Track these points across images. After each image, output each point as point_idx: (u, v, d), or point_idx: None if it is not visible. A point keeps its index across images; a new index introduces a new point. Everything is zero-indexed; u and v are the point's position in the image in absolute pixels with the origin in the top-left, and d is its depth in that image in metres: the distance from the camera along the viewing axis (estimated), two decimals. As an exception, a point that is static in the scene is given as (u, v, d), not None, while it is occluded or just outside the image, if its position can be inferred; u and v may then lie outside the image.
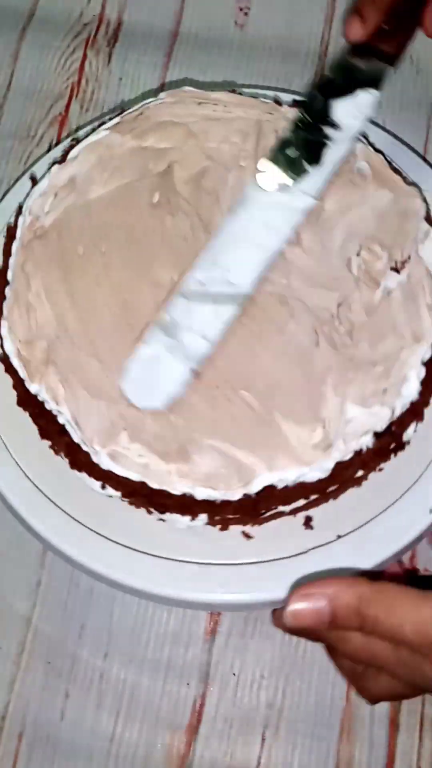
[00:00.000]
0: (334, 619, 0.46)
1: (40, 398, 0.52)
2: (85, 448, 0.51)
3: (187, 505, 0.51)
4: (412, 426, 0.53)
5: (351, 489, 0.53)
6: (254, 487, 0.50)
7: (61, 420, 0.52)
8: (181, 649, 0.58)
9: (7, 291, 0.55)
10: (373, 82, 0.57)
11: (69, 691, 0.57)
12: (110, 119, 0.60)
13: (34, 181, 0.59)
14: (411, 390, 0.52)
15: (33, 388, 0.52)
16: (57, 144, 0.69)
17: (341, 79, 0.57)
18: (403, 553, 0.53)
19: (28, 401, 0.54)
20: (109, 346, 0.53)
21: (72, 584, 0.59)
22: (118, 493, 0.52)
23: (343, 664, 0.50)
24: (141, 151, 0.58)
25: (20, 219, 0.57)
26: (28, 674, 0.58)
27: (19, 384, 0.54)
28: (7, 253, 0.56)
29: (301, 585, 0.46)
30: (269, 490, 0.50)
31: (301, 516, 0.53)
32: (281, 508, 0.52)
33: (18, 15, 0.77)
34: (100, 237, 0.56)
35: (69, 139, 0.62)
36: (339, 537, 0.52)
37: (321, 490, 0.52)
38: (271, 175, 0.55)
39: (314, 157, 0.56)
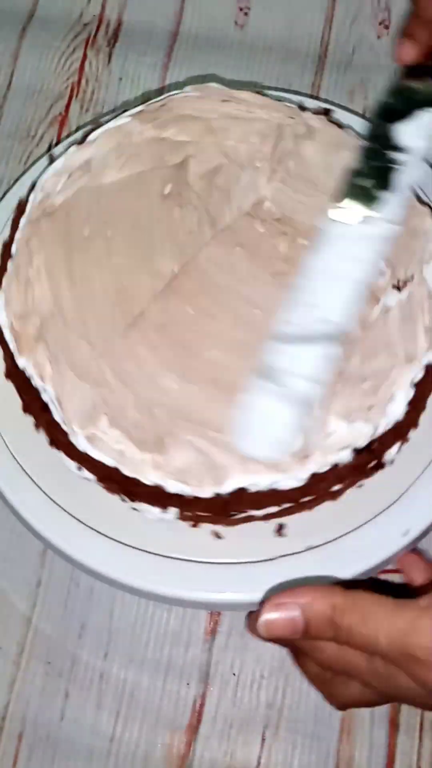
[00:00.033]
0: (308, 629, 0.45)
1: (27, 373, 0.53)
2: (64, 427, 0.51)
3: (158, 496, 0.51)
4: (396, 446, 0.52)
5: (327, 502, 0.52)
6: (226, 488, 0.50)
7: (44, 397, 0.52)
8: (181, 649, 0.58)
9: (9, 264, 0.55)
10: (431, 101, 0.56)
11: (69, 691, 0.57)
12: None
13: (52, 159, 0.59)
14: (396, 410, 0.51)
15: (21, 362, 0.53)
16: (57, 144, 0.69)
17: (399, 102, 0.57)
18: (374, 572, 0.52)
19: (15, 374, 0.54)
20: (101, 330, 0.53)
21: (72, 584, 0.59)
22: (94, 476, 0.52)
23: (309, 670, 0.50)
24: (159, 141, 0.58)
25: (32, 195, 0.57)
26: (28, 674, 0.58)
27: (8, 356, 0.54)
28: (15, 227, 0.57)
29: (274, 594, 0.46)
30: (241, 492, 0.50)
31: (274, 522, 0.52)
32: (253, 512, 0.52)
33: (18, 15, 0.77)
34: (107, 221, 0.56)
35: (90, 123, 0.61)
36: (309, 548, 0.52)
37: (295, 500, 0.51)
38: (350, 208, 0.54)
39: (386, 184, 0.55)
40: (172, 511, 0.51)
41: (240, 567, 0.52)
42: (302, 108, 0.60)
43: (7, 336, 0.54)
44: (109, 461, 0.50)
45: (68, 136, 0.69)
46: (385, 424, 0.51)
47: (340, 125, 0.60)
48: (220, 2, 0.77)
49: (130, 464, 0.50)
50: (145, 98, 0.61)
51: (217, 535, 0.52)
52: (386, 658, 0.44)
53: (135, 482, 0.50)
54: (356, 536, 0.52)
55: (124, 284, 0.54)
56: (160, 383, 0.52)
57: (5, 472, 0.55)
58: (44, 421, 0.53)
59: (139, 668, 0.58)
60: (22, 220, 0.57)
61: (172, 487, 0.50)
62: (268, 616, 0.46)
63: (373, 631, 0.44)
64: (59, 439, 0.52)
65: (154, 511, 0.51)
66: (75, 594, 0.59)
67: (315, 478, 0.50)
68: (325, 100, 0.66)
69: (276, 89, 0.65)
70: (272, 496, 0.51)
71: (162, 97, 0.60)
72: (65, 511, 0.53)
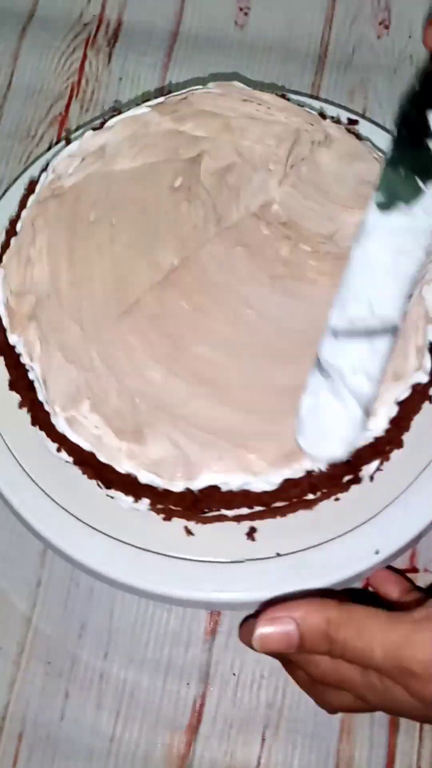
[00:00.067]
0: (303, 643, 0.45)
1: (17, 351, 0.53)
2: (46, 407, 0.52)
3: (130, 485, 0.51)
4: (375, 463, 0.52)
5: (302, 511, 0.52)
6: (197, 484, 0.50)
7: (31, 376, 0.53)
8: (181, 649, 0.58)
9: (12, 241, 0.56)
10: None
11: (69, 691, 0.57)
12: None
13: (68, 141, 0.60)
14: (377, 425, 0.51)
15: (12, 338, 0.53)
16: (57, 144, 0.69)
17: (429, 88, 0.55)
18: (345, 585, 0.52)
19: (6, 350, 0.55)
20: (94, 316, 0.53)
21: (72, 584, 0.59)
22: (71, 459, 0.52)
23: (300, 677, 0.50)
24: (175, 134, 0.58)
25: (43, 175, 0.58)
26: (28, 674, 0.58)
27: (1, 332, 0.54)
28: (23, 205, 0.57)
29: (268, 608, 0.46)
30: (213, 490, 0.50)
31: (245, 525, 0.52)
32: (224, 512, 0.52)
33: (18, 15, 0.77)
34: (114, 209, 0.56)
35: (111, 108, 0.61)
36: (278, 555, 0.51)
37: (266, 503, 0.51)
38: (391, 198, 0.53)
39: (425, 172, 0.53)
40: (145, 502, 0.51)
41: (240, 567, 0.52)
42: (323, 116, 0.60)
43: (1, 311, 0.54)
44: (86, 446, 0.51)
45: (68, 136, 0.69)
46: (364, 439, 0.51)
47: (359, 136, 0.59)
48: (220, 2, 0.77)
49: (107, 451, 0.50)
50: (145, 98, 0.61)
51: (188, 531, 0.52)
52: (381, 671, 0.44)
53: (110, 469, 0.51)
54: (326, 549, 0.51)
55: (122, 272, 0.54)
56: (145, 373, 0.52)
57: (5, 472, 0.55)
58: (29, 400, 0.54)
59: (139, 668, 0.58)
60: (31, 199, 0.57)
61: (144, 477, 0.50)
62: (263, 630, 0.46)
63: (368, 645, 0.44)
64: (41, 418, 0.53)
65: (128, 500, 0.52)
66: (75, 594, 0.59)
67: (288, 483, 0.50)
68: (325, 100, 0.66)
69: (276, 89, 0.64)
70: (244, 497, 0.51)
71: (184, 91, 0.60)
72: (65, 510, 0.53)
